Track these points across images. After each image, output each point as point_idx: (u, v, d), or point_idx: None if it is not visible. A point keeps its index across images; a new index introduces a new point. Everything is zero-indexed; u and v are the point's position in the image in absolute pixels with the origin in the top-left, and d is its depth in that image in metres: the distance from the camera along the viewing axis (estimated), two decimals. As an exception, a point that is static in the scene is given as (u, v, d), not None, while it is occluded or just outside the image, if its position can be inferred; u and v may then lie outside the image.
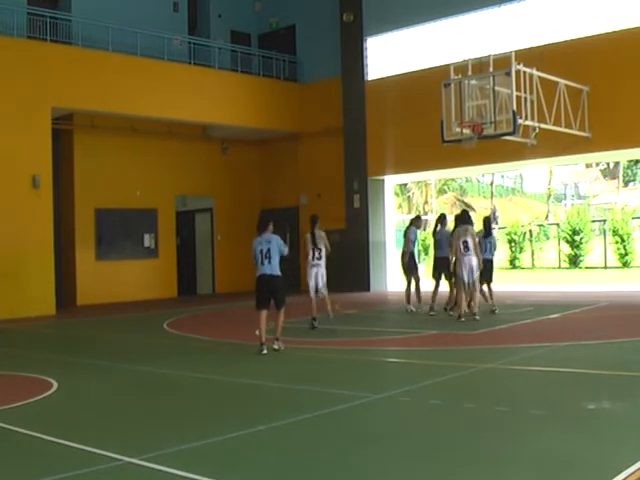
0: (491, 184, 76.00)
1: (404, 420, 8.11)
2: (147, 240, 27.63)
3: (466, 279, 16.69)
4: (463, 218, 17.20)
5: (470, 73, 19.57)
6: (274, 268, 12.92)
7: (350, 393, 9.39)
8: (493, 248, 18.46)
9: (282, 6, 31.04)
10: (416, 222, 19.89)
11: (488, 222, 18.82)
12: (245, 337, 15.40)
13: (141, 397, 9.99)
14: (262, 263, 12.89)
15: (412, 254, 19.22)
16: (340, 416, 8.30)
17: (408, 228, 19.34)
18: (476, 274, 16.79)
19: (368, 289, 27.25)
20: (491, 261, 18.31)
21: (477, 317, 16.53)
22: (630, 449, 6.56)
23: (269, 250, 12.87)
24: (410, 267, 19.12)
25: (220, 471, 6.40)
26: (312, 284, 16.34)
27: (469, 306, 17.15)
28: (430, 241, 39.33)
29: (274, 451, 6.97)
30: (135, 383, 11.07)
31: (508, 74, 18.58)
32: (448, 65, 20.03)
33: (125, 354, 14.24)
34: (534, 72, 19.63)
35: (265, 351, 12.79)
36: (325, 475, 6.28)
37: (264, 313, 13.09)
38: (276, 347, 12.99)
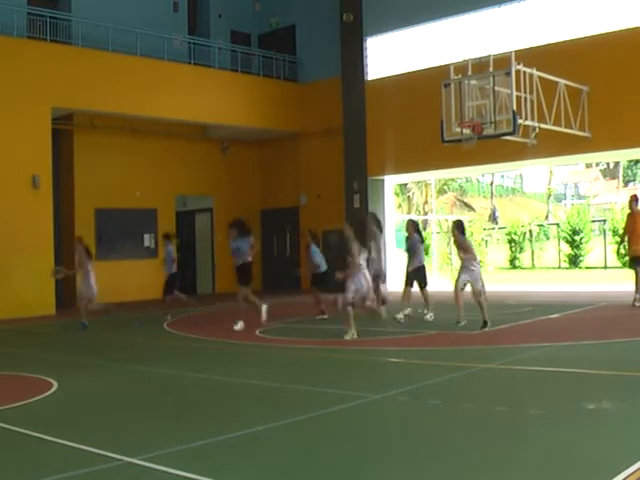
0: (491, 184, 75.97)
1: (404, 420, 8.10)
2: (147, 240, 27.64)
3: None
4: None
5: (470, 73, 19.58)
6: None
7: (350, 393, 9.39)
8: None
9: (282, 6, 31.06)
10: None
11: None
12: (244, 337, 15.44)
13: (141, 397, 10.00)
14: (248, 254, 16.84)
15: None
16: (340, 416, 8.29)
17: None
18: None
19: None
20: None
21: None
22: (630, 449, 6.55)
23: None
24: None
25: (220, 471, 6.40)
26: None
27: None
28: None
29: (274, 451, 6.96)
30: (135, 383, 11.09)
31: (508, 74, 18.59)
32: (448, 65, 20.05)
33: (125, 354, 14.25)
34: (534, 72, 19.63)
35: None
36: (325, 475, 6.28)
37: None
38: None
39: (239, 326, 16.59)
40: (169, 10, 28.70)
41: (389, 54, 27.94)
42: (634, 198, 19.17)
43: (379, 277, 18.80)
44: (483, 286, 15.02)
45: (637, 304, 18.36)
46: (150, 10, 27.55)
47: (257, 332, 16.05)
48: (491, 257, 41.11)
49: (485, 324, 14.83)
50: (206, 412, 8.86)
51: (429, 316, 17.15)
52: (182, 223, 29.64)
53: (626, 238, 19.16)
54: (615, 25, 22.58)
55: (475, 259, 15.26)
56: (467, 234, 16.51)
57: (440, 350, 13.28)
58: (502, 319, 16.68)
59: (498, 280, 33.22)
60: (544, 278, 34.07)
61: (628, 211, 19.53)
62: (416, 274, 17.35)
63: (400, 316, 17.00)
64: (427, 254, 35.92)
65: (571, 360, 11.44)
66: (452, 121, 19.31)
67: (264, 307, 17.11)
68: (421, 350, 13.46)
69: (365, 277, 14.84)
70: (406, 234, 18.25)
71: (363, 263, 14.89)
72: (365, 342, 14.51)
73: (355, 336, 14.49)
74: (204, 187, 29.72)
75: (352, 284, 14.64)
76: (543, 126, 20.06)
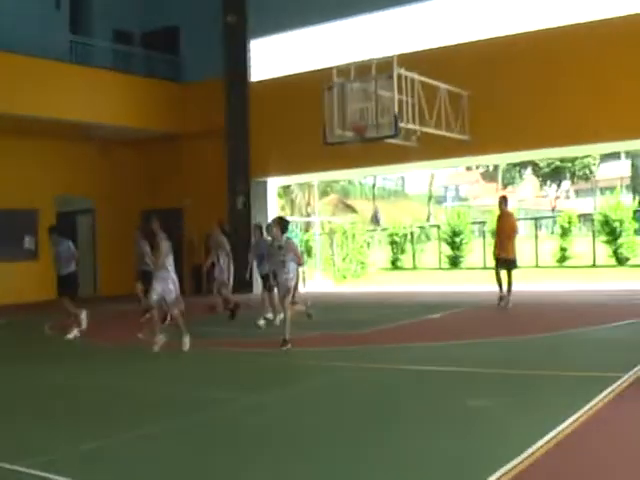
0: (373, 186, 76.86)
1: (284, 422, 8.13)
2: (27, 242, 27.06)
3: None
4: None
5: (353, 76, 19.72)
6: None
7: (224, 395, 9.38)
8: None
9: (166, 6, 30.74)
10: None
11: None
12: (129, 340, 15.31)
13: (25, 403, 9.76)
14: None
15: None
16: (217, 420, 8.28)
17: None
18: None
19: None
20: None
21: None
22: (509, 446, 6.66)
23: None
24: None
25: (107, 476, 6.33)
26: None
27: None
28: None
29: (158, 456, 6.92)
30: (18, 388, 10.79)
31: (390, 77, 18.79)
32: (331, 68, 20.15)
33: (8, 359, 13.85)
34: (415, 76, 19.88)
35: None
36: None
37: None
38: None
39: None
40: (51, 7, 28.08)
41: (273, 56, 28.02)
42: (503, 199, 19.64)
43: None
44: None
45: (503, 304, 18.67)
46: (30, 7, 26.86)
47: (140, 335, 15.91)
48: (373, 258, 41.52)
49: None
50: (88, 418, 8.73)
51: (261, 322, 16.82)
52: (63, 224, 29.08)
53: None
54: (492, 32, 23.24)
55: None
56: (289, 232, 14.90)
57: (324, 350, 13.29)
58: (388, 319, 16.94)
59: (380, 281, 33.66)
60: (426, 278, 34.60)
61: (498, 212, 19.97)
62: (267, 278, 16.87)
63: (261, 322, 16.81)
64: (310, 256, 36.16)
65: (453, 359, 11.64)
66: (335, 123, 19.43)
67: (74, 331, 16.02)
68: (306, 351, 13.34)
69: (174, 282, 13.48)
70: (253, 238, 18.09)
71: (171, 267, 13.43)
72: (239, 343, 14.48)
73: (163, 341, 13.43)
74: (85, 188, 29.20)
75: (158, 285, 13.35)
76: (424, 129, 20.33)
